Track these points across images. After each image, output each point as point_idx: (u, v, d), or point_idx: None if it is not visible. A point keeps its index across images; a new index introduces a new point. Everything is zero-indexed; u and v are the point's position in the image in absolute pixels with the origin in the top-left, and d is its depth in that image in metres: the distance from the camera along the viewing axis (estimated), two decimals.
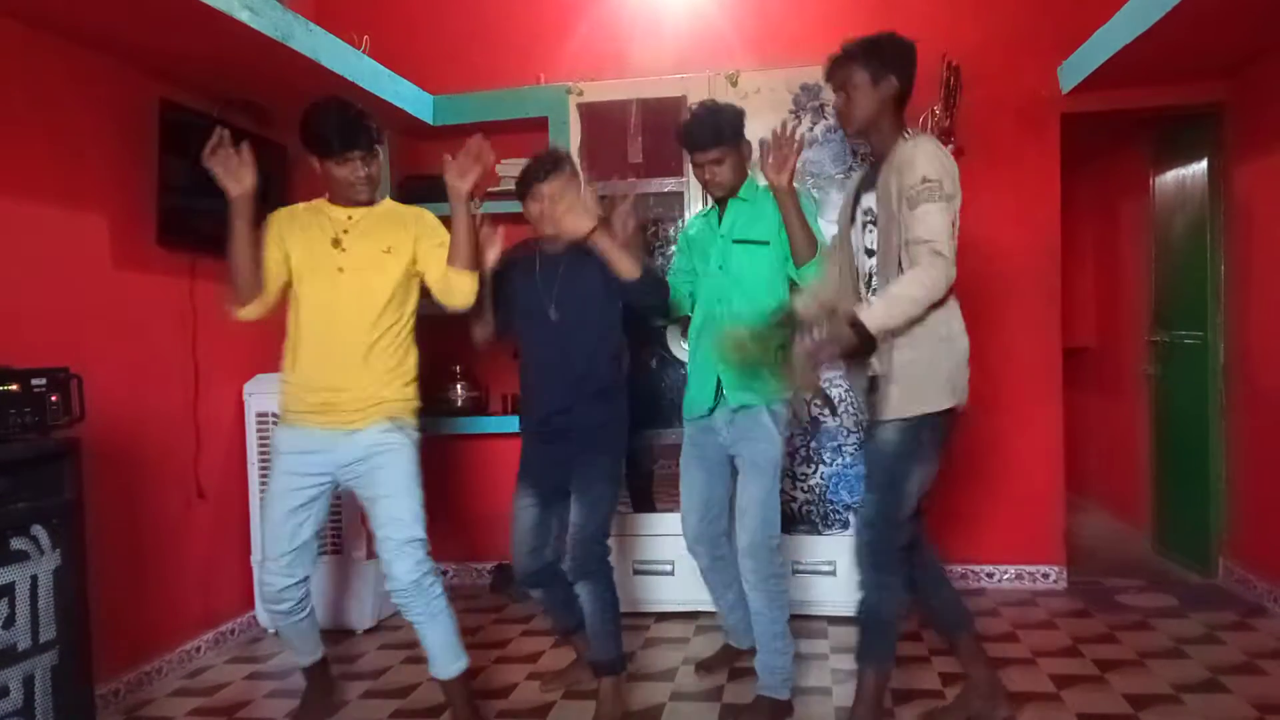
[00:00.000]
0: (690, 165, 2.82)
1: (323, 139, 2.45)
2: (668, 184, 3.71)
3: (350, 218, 2.55)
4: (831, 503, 3.58)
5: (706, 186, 2.81)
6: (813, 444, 3.59)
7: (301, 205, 2.61)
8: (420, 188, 4.06)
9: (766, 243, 2.75)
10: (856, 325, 2.24)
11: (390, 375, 2.54)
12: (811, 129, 3.55)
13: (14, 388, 2.25)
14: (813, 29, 3.99)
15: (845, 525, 3.56)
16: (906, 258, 2.28)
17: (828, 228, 2.92)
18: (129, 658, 3.04)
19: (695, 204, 3.64)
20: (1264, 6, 2.92)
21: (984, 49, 3.87)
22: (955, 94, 3.84)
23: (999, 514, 3.98)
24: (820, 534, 3.58)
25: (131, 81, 3.07)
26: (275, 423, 2.68)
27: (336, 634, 3.52)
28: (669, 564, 3.66)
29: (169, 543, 3.22)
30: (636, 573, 3.66)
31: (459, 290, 2.56)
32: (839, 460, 3.57)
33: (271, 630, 2.66)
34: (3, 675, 2.15)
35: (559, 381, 2.71)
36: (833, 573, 3.56)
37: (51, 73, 2.80)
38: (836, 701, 2.83)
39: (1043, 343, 3.94)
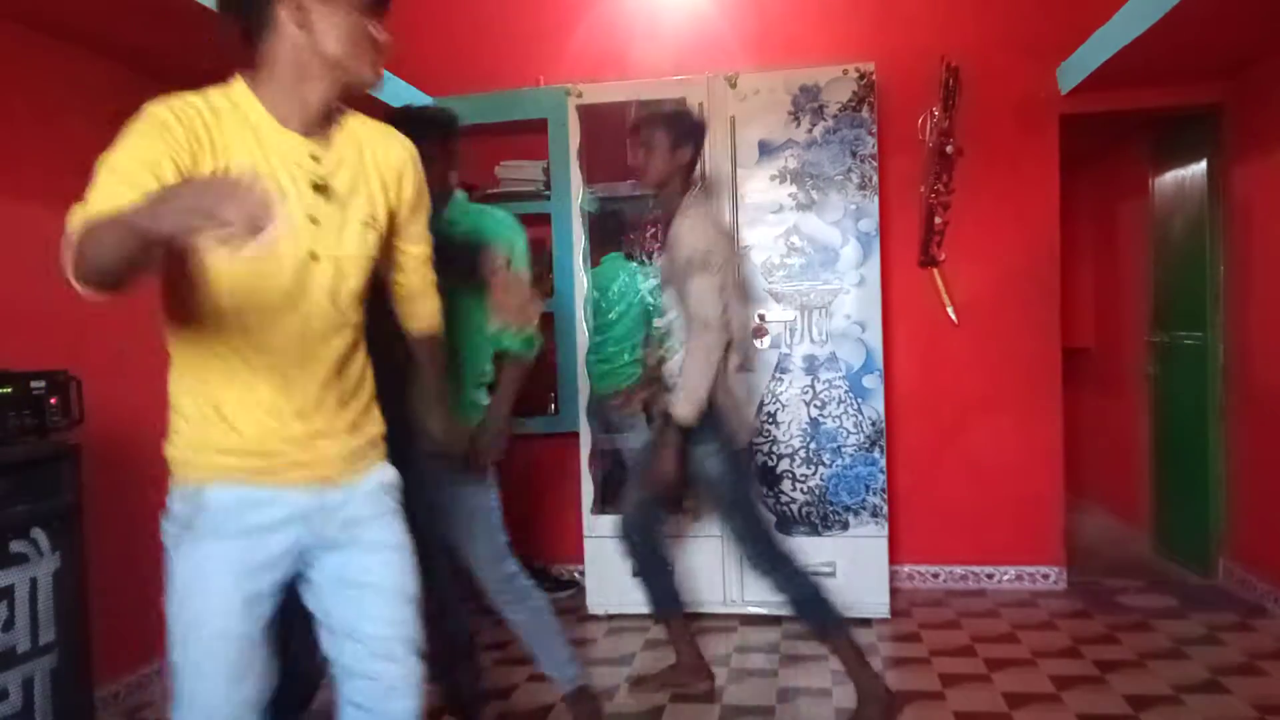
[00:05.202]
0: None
1: None
2: None
3: (316, 157, 1.42)
4: (831, 504, 3.58)
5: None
6: (813, 445, 3.59)
7: (197, 101, 1.36)
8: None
9: None
10: (673, 424, 2.57)
11: (370, 398, 1.58)
12: (810, 130, 3.56)
13: (12, 390, 2.25)
14: (811, 31, 4.00)
15: (845, 527, 3.57)
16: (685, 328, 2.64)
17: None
18: (129, 660, 3.04)
19: None
20: (1262, 7, 2.92)
21: (983, 50, 3.87)
22: (954, 95, 3.84)
23: (999, 515, 3.97)
24: (820, 535, 3.58)
25: (131, 83, 3.06)
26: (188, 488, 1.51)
27: None
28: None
29: None
30: (636, 573, 3.65)
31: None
32: (838, 462, 3.58)
33: None
34: (2, 678, 2.14)
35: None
36: (832, 574, 3.55)
37: (50, 75, 2.80)
38: (836, 703, 2.83)
39: (1042, 343, 3.93)
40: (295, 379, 1.44)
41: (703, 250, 2.58)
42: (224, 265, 1.34)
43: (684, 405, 2.57)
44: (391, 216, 1.53)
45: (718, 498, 2.78)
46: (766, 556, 2.69)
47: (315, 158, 1.41)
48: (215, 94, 1.39)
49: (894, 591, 3.69)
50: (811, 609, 2.69)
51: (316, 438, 1.46)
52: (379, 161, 1.49)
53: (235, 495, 1.44)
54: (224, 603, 1.44)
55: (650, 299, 3.76)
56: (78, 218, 1.23)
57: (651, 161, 2.69)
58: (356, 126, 1.49)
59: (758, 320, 3.61)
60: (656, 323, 2.90)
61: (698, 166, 2.79)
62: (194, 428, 1.48)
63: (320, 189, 1.41)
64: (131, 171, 1.29)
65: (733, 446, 2.67)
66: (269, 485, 1.44)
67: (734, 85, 3.60)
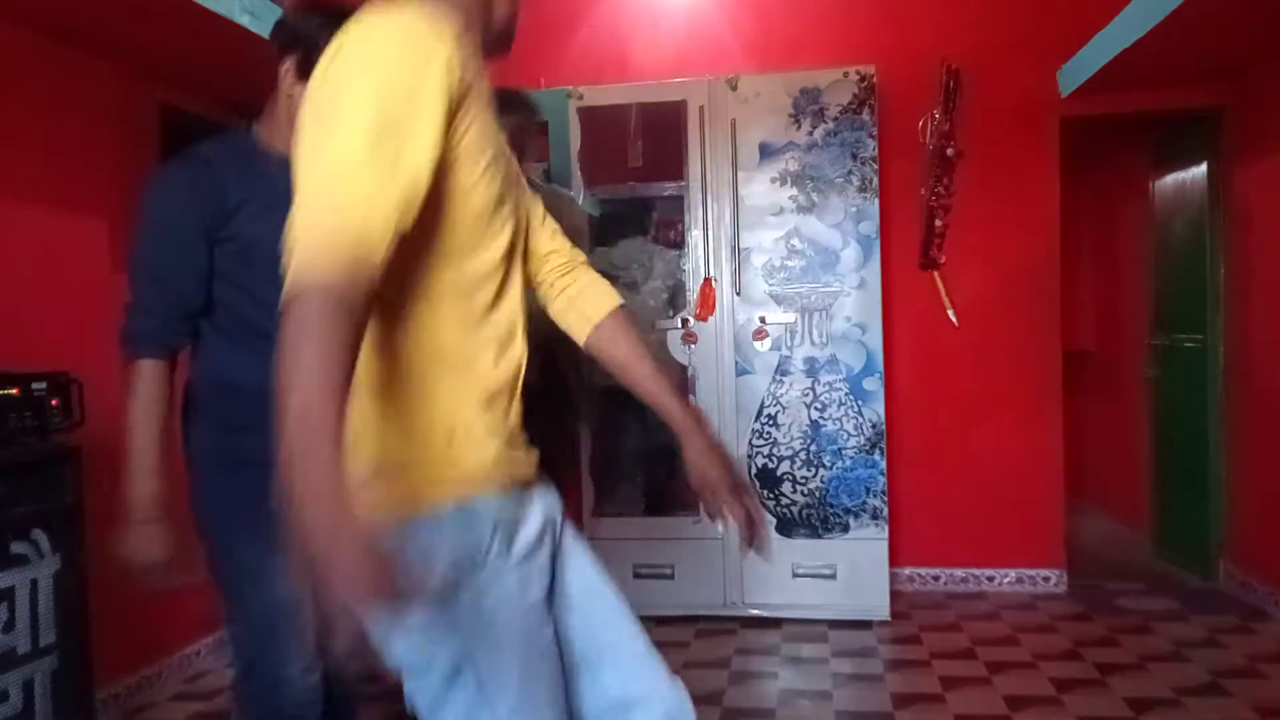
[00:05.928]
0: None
1: None
2: (668, 188, 3.71)
3: None
4: (831, 506, 3.58)
5: None
6: (813, 448, 3.59)
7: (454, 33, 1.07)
8: None
9: None
10: None
11: None
12: (811, 133, 3.56)
13: (14, 391, 2.25)
14: (812, 33, 4.00)
15: (845, 529, 3.56)
16: None
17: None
18: (129, 662, 3.04)
19: (696, 209, 3.64)
20: (1263, 10, 2.93)
21: (983, 53, 3.87)
22: (954, 98, 3.85)
23: (999, 517, 3.97)
24: (820, 538, 3.58)
25: (131, 85, 3.07)
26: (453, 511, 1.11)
27: None
28: (669, 567, 3.66)
29: None
30: (637, 576, 3.66)
31: None
32: (839, 464, 3.57)
33: None
34: (2, 679, 2.14)
35: None
36: (833, 576, 3.56)
37: (51, 77, 2.80)
38: (837, 705, 2.83)
39: (1043, 346, 3.93)
40: (509, 364, 1.21)
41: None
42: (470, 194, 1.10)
43: None
44: None
45: None
46: None
47: None
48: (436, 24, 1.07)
49: (894, 594, 3.69)
50: None
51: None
52: None
53: (507, 505, 1.17)
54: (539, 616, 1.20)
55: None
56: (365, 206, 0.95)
57: (526, 146, 2.65)
58: None
59: (758, 322, 3.61)
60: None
61: None
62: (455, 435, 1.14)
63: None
64: (425, 141, 1.01)
65: None
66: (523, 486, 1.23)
67: (735, 88, 3.60)
